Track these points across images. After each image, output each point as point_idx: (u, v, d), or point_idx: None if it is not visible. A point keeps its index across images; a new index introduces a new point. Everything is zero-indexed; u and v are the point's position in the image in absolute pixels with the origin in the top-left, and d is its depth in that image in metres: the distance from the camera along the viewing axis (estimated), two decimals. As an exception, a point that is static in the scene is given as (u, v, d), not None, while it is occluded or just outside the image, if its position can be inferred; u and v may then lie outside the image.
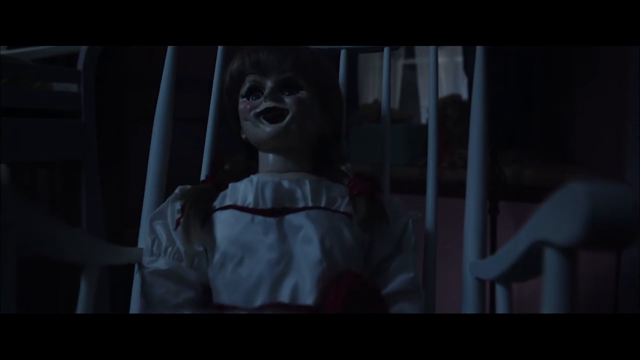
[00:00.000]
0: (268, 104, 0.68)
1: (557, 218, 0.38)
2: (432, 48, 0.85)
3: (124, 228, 1.54)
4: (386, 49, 0.87)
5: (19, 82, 1.27)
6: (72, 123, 1.32)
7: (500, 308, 0.62)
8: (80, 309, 0.58)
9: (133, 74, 1.67)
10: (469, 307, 0.71)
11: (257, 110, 0.69)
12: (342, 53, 0.88)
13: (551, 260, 0.40)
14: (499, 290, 0.61)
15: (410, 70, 2.69)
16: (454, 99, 2.02)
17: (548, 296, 0.40)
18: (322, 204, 0.66)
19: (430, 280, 0.76)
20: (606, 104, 1.65)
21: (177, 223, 0.67)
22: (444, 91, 2.36)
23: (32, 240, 0.50)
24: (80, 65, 1.35)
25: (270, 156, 0.71)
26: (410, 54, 2.67)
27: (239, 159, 0.76)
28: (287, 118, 0.68)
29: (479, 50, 0.81)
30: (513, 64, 1.74)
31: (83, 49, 1.35)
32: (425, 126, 0.89)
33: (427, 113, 2.23)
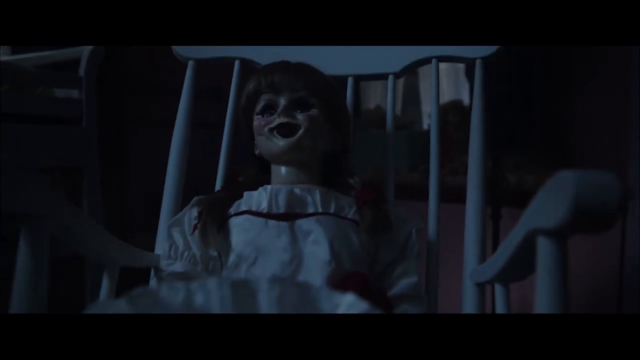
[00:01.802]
0: (282, 119, 0.72)
1: (547, 205, 0.40)
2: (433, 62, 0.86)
3: (124, 229, 1.54)
4: (390, 77, 0.87)
5: (20, 88, 1.27)
6: (74, 129, 1.32)
7: (499, 308, 0.62)
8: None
9: (133, 75, 1.67)
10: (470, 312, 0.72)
11: (271, 125, 0.72)
12: (350, 81, 0.90)
13: (543, 247, 0.41)
14: (498, 290, 0.62)
15: (412, 76, 2.68)
16: (455, 105, 2.03)
17: (541, 282, 0.41)
18: (331, 211, 0.70)
19: (433, 285, 0.77)
20: (607, 105, 1.65)
21: (195, 228, 0.71)
22: (446, 96, 2.35)
23: (62, 234, 0.55)
24: (81, 71, 1.35)
25: (283, 169, 0.74)
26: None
27: (252, 173, 0.80)
28: (300, 133, 0.72)
29: (478, 64, 0.83)
30: (513, 64, 1.74)
31: (84, 55, 1.36)
32: (427, 131, 0.90)
33: (428, 118, 2.22)
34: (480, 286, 0.73)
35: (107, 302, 0.48)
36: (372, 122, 2.06)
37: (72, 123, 1.34)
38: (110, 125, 1.59)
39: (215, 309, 0.42)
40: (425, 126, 2.47)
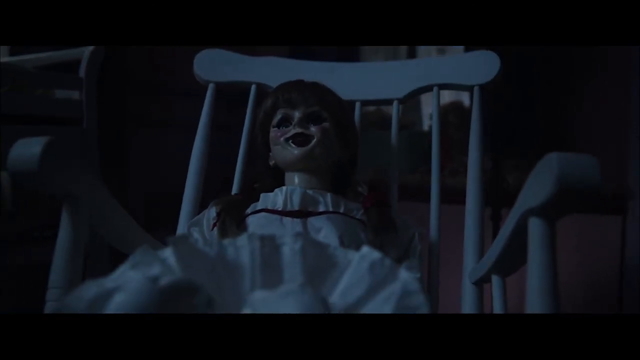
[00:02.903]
0: (297, 129, 0.78)
1: (535, 185, 0.44)
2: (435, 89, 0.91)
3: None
4: (395, 103, 0.93)
5: (21, 89, 1.27)
6: (74, 130, 1.32)
7: (496, 299, 0.64)
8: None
9: (133, 75, 1.67)
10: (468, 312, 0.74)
11: (287, 135, 0.79)
12: (357, 105, 0.95)
13: (534, 226, 0.45)
14: (495, 282, 0.64)
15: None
16: (456, 106, 2.03)
17: (532, 260, 0.44)
18: (341, 210, 0.75)
19: (433, 285, 0.79)
20: (607, 105, 1.65)
21: (214, 225, 0.76)
22: (446, 97, 2.36)
23: (95, 217, 0.58)
24: (82, 72, 1.36)
25: (296, 176, 0.80)
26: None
27: (267, 182, 0.85)
28: (313, 142, 0.78)
29: (476, 91, 0.88)
30: (513, 64, 1.74)
31: (85, 56, 1.36)
32: (427, 132, 0.94)
33: (428, 119, 2.22)
34: (479, 286, 0.75)
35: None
36: (372, 122, 2.06)
37: (73, 124, 1.34)
38: (110, 125, 1.59)
39: (245, 261, 0.48)
40: (425, 127, 2.47)
